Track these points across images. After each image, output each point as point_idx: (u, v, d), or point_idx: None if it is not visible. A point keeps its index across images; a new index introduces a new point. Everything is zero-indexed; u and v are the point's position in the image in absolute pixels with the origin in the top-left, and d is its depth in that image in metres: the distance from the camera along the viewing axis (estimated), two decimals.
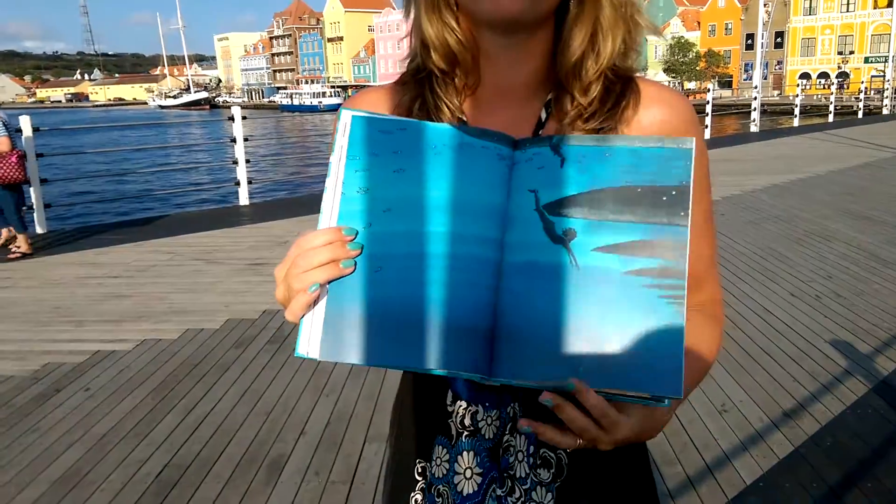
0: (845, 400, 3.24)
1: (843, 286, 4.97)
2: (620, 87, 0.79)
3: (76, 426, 3.16)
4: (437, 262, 0.66)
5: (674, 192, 0.64)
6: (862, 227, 6.81)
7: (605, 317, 0.64)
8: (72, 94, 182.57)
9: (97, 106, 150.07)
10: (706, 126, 16.33)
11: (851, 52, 61.05)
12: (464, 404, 0.84)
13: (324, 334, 0.65)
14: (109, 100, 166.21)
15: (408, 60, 0.86)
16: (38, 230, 7.61)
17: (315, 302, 0.65)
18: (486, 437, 0.84)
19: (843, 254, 5.86)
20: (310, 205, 8.71)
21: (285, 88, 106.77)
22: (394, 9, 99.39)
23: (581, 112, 0.78)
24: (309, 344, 0.65)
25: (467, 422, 0.84)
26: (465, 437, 0.85)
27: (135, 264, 6.11)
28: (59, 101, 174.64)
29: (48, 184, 8.03)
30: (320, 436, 3.02)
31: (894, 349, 3.83)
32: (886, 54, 35.89)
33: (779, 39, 65.29)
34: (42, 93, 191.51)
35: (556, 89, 0.81)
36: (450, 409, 0.86)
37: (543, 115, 0.81)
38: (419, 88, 0.83)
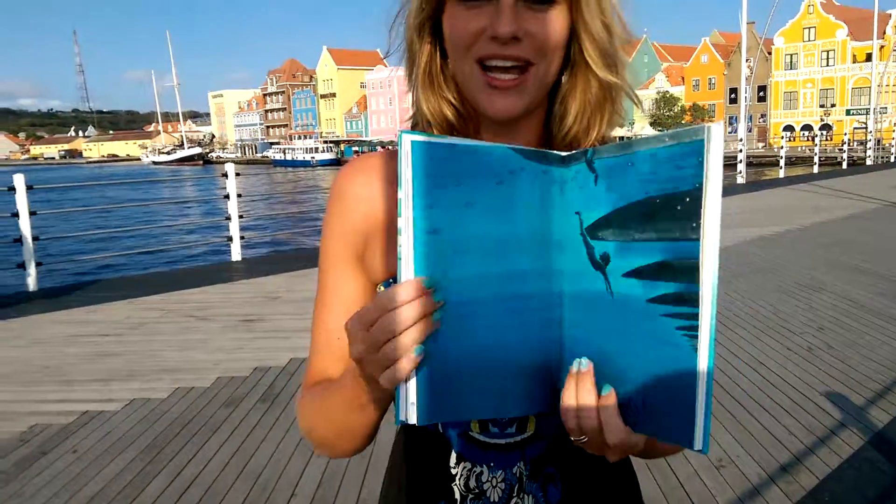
0: (842, 453, 3.22)
1: (834, 338, 4.99)
2: None
3: (62, 490, 3.09)
4: (512, 304, 0.64)
5: (687, 199, 0.56)
6: (850, 279, 6.87)
7: (627, 351, 0.61)
8: (66, 150, 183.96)
9: (90, 162, 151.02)
10: None
11: (833, 105, 62.54)
12: (468, 465, 0.84)
13: (419, 396, 0.62)
14: (103, 156, 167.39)
15: (409, 123, 0.89)
16: (30, 288, 7.57)
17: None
18: (492, 499, 0.83)
19: (833, 305, 5.89)
20: (302, 259, 8.73)
21: (278, 143, 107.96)
22: (385, 66, 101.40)
23: None
24: (407, 409, 0.62)
25: (472, 483, 0.84)
26: (470, 499, 0.84)
27: (126, 322, 6.08)
28: (53, 158, 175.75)
29: (40, 241, 8.02)
30: (311, 497, 2.97)
31: (888, 401, 3.83)
32: (867, 107, 36.78)
33: (761, 93, 66.90)
34: (36, 150, 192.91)
35: (552, 144, 0.85)
36: (453, 471, 0.85)
37: None
38: None
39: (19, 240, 7.54)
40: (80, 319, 6.23)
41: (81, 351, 5.24)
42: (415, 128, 0.87)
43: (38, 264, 7.71)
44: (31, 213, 7.70)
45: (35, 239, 7.73)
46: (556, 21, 0.75)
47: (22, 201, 7.49)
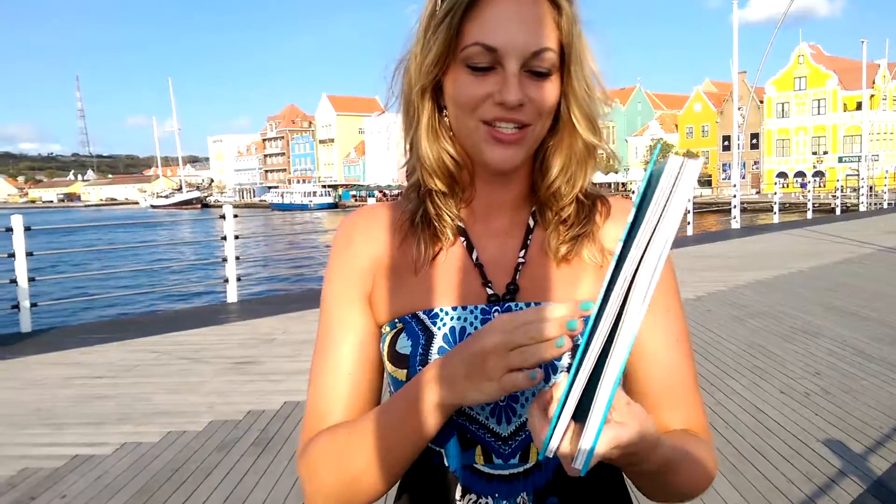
0: (840, 501, 3.18)
1: (831, 383, 4.97)
2: (591, 204, 0.92)
3: None
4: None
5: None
6: (847, 323, 6.87)
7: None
8: (64, 194, 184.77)
9: (89, 206, 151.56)
10: (688, 223, 16.71)
11: (825, 153, 63.39)
12: (473, 497, 0.85)
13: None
14: (101, 200, 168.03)
15: (405, 171, 0.94)
16: (23, 329, 7.53)
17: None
18: None
19: (830, 350, 5.88)
20: (298, 301, 8.71)
21: (277, 188, 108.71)
22: (384, 112, 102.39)
23: (563, 220, 0.90)
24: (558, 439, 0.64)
25: None
26: None
27: (119, 364, 6.03)
28: (51, 201, 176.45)
29: (35, 282, 8.01)
30: None
31: (887, 448, 3.79)
32: (859, 154, 37.29)
33: (754, 140, 67.87)
34: (34, 193, 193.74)
35: (538, 203, 0.92)
36: (458, 503, 0.86)
37: (531, 223, 0.92)
38: (420, 201, 0.91)
39: (15, 280, 7.53)
40: (74, 361, 6.18)
41: (74, 393, 5.19)
42: (412, 173, 0.92)
43: (32, 305, 7.69)
44: (28, 254, 7.70)
45: (31, 280, 7.72)
46: (551, 89, 0.84)
47: (19, 242, 7.50)
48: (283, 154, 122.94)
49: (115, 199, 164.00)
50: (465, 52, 0.81)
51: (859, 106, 54.36)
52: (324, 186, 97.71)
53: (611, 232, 0.91)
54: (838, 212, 25.00)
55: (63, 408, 4.85)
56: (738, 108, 23.85)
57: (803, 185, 52.87)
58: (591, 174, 0.90)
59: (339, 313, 0.90)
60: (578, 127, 0.87)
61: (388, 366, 0.88)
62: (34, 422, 4.57)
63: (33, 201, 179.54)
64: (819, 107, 64.54)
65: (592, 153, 0.89)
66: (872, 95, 52.38)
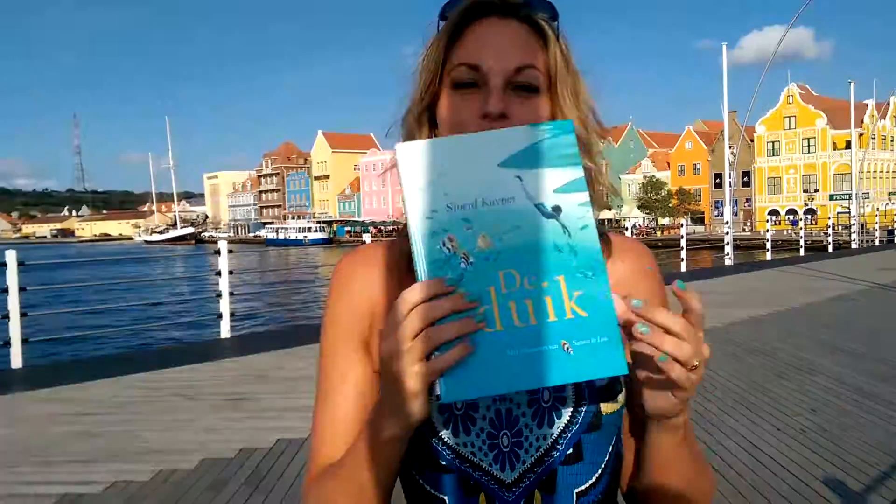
0: None
1: (828, 420, 4.95)
2: None
3: None
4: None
5: None
6: (842, 360, 6.87)
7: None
8: (58, 229, 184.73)
9: (83, 241, 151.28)
10: (682, 259, 16.80)
11: (816, 190, 64.02)
12: None
13: (448, 375, 0.67)
14: (95, 235, 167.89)
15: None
16: (14, 365, 7.45)
17: None
18: None
19: (826, 387, 5.87)
20: (292, 337, 8.65)
21: (272, 223, 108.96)
22: (379, 149, 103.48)
23: None
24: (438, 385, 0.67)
25: None
26: None
27: (111, 401, 5.96)
28: (45, 237, 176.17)
29: (27, 318, 7.95)
30: None
31: (885, 486, 3.77)
32: (850, 192, 37.68)
33: (746, 178, 68.55)
34: (28, 228, 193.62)
35: None
36: None
37: None
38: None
39: (7, 316, 7.48)
40: (65, 398, 6.11)
41: (64, 431, 5.12)
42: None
43: (24, 341, 7.62)
44: (21, 290, 7.66)
45: (23, 315, 7.67)
46: (539, 107, 0.85)
47: (12, 277, 7.47)
48: (278, 190, 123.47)
49: (109, 235, 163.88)
50: (452, 74, 0.85)
51: (848, 145, 55.10)
52: (319, 222, 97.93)
53: (615, 266, 0.90)
54: (830, 249, 25.14)
55: (53, 445, 4.78)
56: (729, 147, 24.14)
57: (794, 223, 53.37)
58: (594, 201, 0.89)
59: (337, 361, 0.90)
60: None
61: None
62: (23, 460, 4.50)
63: (27, 237, 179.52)
64: (809, 145, 65.41)
65: (588, 179, 0.88)
66: (861, 134, 53.05)
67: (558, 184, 0.69)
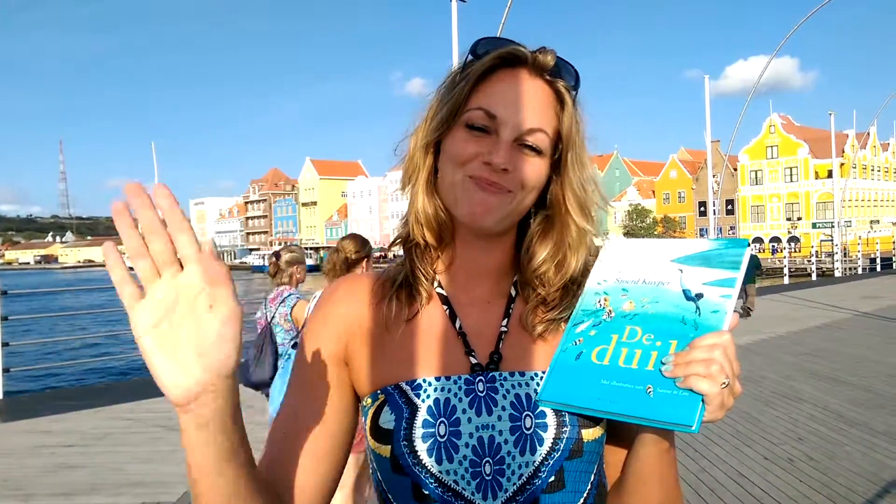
0: None
1: (814, 448, 4.96)
2: (576, 288, 0.92)
3: None
4: None
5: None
6: (827, 388, 6.90)
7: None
8: (41, 256, 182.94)
9: (66, 268, 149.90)
10: None
11: (799, 219, 64.75)
12: None
13: None
14: (79, 261, 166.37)
15: (401, 224, 0.97)
16: None
17: None
18: None
19: (812, 415, 5.89)
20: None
21: (258, 250, 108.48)
22: (366, 176, 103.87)
23: (544, 300, 0.91)
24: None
25: None
26: None
27: (91, 432, 5.87)
28: (28, 263, 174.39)
29: (9, 347, 7.83)
30: None
31: None
32: (832, 220, 38.11)
33: (730, 206, 69.25)
34: (11, 255, 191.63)
35: (521, 273, 0.94)
36: None
37: (513, 292, 0.94)
38: (400, 265, 0.96)
39: None
40: (45, 429, 6.01)
41: (44, 462, 5.02)
42: (405, 224, 0.95)
43: (4, 371, 7.50)
44: (3, 319, 7.57)
45: (4, 345, 7.56)
46: (539, 167, 0.89)
47: None
48: (265, 216, 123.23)
49: (93, 261, 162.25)
50: (468, 115, 0.88)
51: (830, 174, 55.90)
52: (306, 248, 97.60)
53: None
54: (814, 276, 25.35)
55: (31, 478, 4.68)
56: (713, 176, 24.45)
57: (773, 251, 53.77)
58: (583, 259, 0.92)
59: (304, 375, 0.92)
60: (572, 212, 0.90)
61: (371, 441, 0.87)
62: (2, 493, 4.41)
63: (10, 263, 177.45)
64: (791, 174, 66.29)
65: (584, 239, 0.92)
66: (843, 164, 53.85)
67: (711, 279, 0.81)
